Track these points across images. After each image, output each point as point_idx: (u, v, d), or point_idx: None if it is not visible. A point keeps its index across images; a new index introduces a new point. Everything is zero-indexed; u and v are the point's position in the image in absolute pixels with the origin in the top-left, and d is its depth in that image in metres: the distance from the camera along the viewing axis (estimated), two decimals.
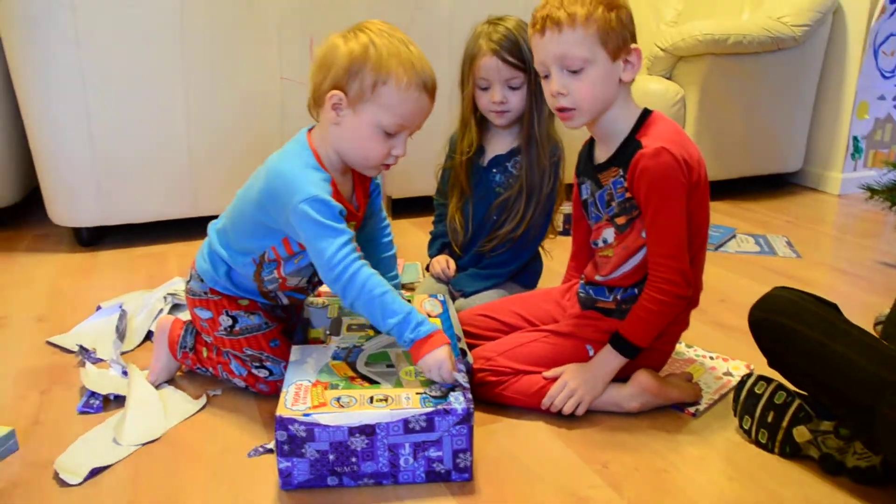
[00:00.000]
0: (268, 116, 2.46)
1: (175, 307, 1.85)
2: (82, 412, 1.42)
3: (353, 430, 1.15)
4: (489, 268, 1.81)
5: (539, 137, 1.72)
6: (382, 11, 2.45)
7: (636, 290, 1.41)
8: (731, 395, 1.42)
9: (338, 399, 1.19)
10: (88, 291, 2.05)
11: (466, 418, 1.17)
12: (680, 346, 1.66)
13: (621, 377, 1.41)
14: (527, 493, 1.19)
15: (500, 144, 1.78)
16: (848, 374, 1.14)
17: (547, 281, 1.90)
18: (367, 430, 1.15)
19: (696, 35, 2.81)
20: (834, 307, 1.26)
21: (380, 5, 2.48)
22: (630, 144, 1.34)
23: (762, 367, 1.37)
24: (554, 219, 1.82)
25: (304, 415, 1.14)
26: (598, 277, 1.47)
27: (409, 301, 1.32)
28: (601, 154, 1.41)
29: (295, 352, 1.36)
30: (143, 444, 1.32)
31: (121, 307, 1.81)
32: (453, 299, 1.77)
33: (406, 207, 2.73)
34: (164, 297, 1.86)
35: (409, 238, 2.48)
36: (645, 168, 1.29)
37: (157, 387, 1.50)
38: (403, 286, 1.95)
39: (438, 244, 1.91)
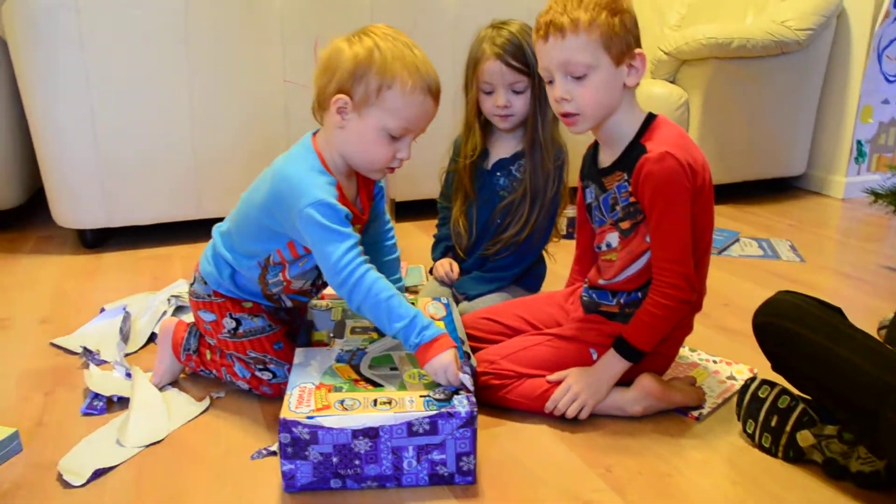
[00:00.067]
0: (272, 119, 2.47)
1: (179, 309, 1.85)
2: (86, 414, 1.42)
3: (356, 433, 1.15)
4: (493, 271, 1.81)
5: (543, 141, 1.72)
6: (386, 15, 2.47)
7: (640, 294, 1.41)
8: (734, 399, 1.41)
9: (341, 402, 1.19)
10: (92, 293, 2.06)
11: (470, 421, 1.17)
12: (683, 350, 1.66)
13: (625, 381, 1.41)
14: (530, 497, 1.19)
15: (504, 148, 1.79)
16: (852, 378, 1.14)
17: (550, 284, 1.90)
18: (371, 433, 1.15)
19: (700, 39, 2.81)
20: (838, 311, 1.26)
21: (384, 8, 2.49)
22: (634, 149, 1.34)
23: (766, 371, 1.37)
24: (558, 222, 1.82)
25: (307, 417, 1.14)
26: (601, 281, 1.47)
27: (412, 304, 1.32)
28: (605, 158, 1.41)
29: (298, 354, 1.36)
30: (147, 446, 1.32)
31: (124, 309, 1.81)
32: (457, 302, 1.77)
33: (410, 211, 2.74)
34: (168, 300, 1.87)
35: (413, 241, 2.48)
36: (649, 172, 1.29)
37: (161, 389, 1.50)
38: (407, 289, 1.95)
39: (442, 247, 1.91)
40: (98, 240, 2.46)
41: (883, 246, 2.56)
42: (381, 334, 1.43)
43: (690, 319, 1.46)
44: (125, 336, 1.70)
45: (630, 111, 1.36)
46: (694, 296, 1.36)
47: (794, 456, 1.27)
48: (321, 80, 1.31)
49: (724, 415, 1.44)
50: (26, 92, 2.24)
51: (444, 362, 1.22)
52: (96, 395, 1.46)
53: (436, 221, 1.96)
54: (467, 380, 1.23)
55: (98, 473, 1.23)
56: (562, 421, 1.39)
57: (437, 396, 1.20)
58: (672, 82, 3.01)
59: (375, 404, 1.18)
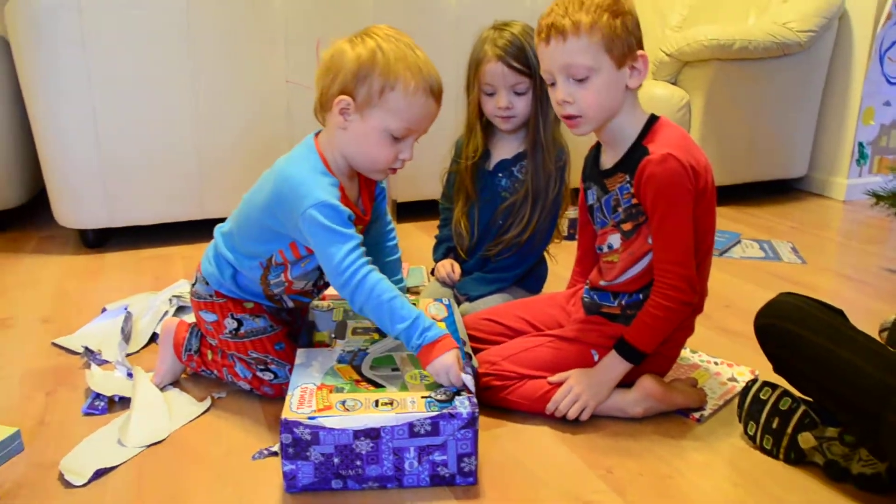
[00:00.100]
0: (274, 119, 2.47)
1: (180, 309, 1.85)
2: (87, 413, 1.43)
3: (357, 434, 1.15)
4: (494, 272, 1.81)
5: (545, 142, 1.72)
6: (388, 15, 2.47)
7: (641, 296, 1.41)
8: (735, 401, 1.42)
9: (343, 402, 1.19)
10: (94, 293, 2.06)
11: (471, 422, 1.17)
12: (685, 352, 1.66)
13: (626, 382, 1.41)
14: (531, 498, 1.19)
15: (505, 149, 1.79)
16: (853, 380, 1.14)
17: (552, 285, 1.90)
18: (372, 434, 1.16)
19: (702, 40, 2.81)
20: (840, 313, 1.26)
21: (386, 9, 2.49)
22: (637, 150, 1.34)
23: (767, 372, 1.37)
24: (559, 224, 1.82)
25: (309, 418, 1.15)
26: (602, 283, 1.47)
27: (414, 304, 1.32)
28: (608, 160, 1.41)
29: (300, 355, 1.36)
30: (148, 446, 1.32)
31: (126, 309, 1.81)
32: (458, 303, 1.77)
33: (411, 211, 2.74)
34: (170, 300, 1.87)
35: (414, 242, 2.48)
36: (652, 174, 1.29)
37: (162, 389, 1.50)
38: (408, 290, 1.95)
39: (443, 248, 1.91)
40: (100, 240, 2.46)
41: (884, 248, 2.56)
42: (383, 335, 1.43)
43: (692, 321, 1.46)
44: (127, 336, 1.70)
45: (632, 113, 1.36)
46: (696, 297, 1.36)
47: (796, 458, 1.27)
48: (323, 81, 1.31)
49: (725, 416, 1.44)
50: (28, 92, 2.24)
51: (447, 363, 1.22)
52: (98, 395, 1.46)
53: (437, 222, 1.96)
54: (469, 380, 1.23)
55: (99, 473, 1.23)
56: (563, 422, 1.39)
57: (438, 397, 1.20)
58: (673, 84, 3.01)
59: (377, 405, 1.18)
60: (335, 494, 1.18)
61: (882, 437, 1.09)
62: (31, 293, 2.07)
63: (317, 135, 1.38)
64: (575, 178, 1.62)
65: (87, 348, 1.64)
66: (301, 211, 1.25)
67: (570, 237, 2.25)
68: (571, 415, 1.37)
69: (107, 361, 1.61)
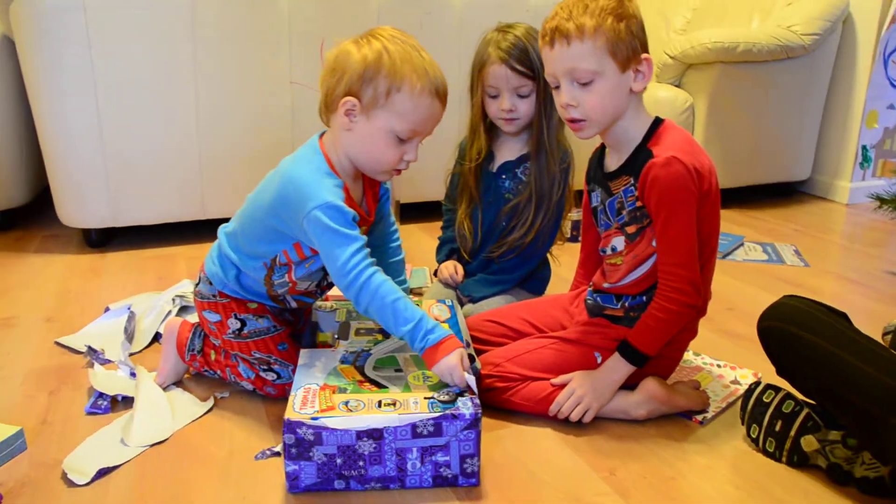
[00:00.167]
0: (278, 120, 2.47)
1: (183, 309, 1.86)
2: (90, 413, 1.43)
3: (360, 434, 1.15)
4: (497, 273, 1.81)
5: (548, 145, 1.72)
6: (392, 17, 2.48)
7: (644, 298, 1.41)
8: (738, 404, 1.41)
9: (346, 403, 1.19)
10: (97, 292, 2.06)
11: (474, 423, 1.17)
12: (688, 354, 1.66)
13: (629, 384, 1.41)
14: (533, 499, 1.19)
15: (509, 151, 1.79)
16: (857, 383, 1.13)
17: (555, 287, 1.90)
18: (375, 434, 1.16)
19: (706, 43, 2.81)
20: (843, 316, 1.26)
21: (389, 10, 2.49)
22: (641, 153, 1.34)
23: (770, 375, 1.37)
24: (562, 225, 1.82)
25: (312, 418, 1.15)
26: (606, 285, 1.47)
27: (417, 305, 1.33)
28: (612, 162, 1.41)
29: (303, 355, 1.36)
30: (151, 446, 1.32)
31: (129, 308, 1.81)
32: (461, 305, 1.77)
33: (414, 212, 2.74)
34: (173, 300, 1.87)
35: (417, 243, 2.48)
36: (656, 177, 1.29)
37: (165, 388, 1.50)
38: (411, 291, 1.95)
39: (447, 249, 1.91)
40: (103, 239, 2.47)
41: (888, 251, 2.56)
42: (386, 336, 1.44)
43: (695, 323, 1.46)
44: (130, 335, 1.70)
45: (637, 116, 1.36)
46: (699, 300, 1.36)
47: (798, 461, 1.26)
48: (329, 82, 1.31)
49: (728, 419, 1.44)
50: (33, 91, 2.25)
51: (450, 364, 1.22)
52: (101, 395, 1.46)
53: (440, 223, 1.97)
54: (472, 380, 1.23)
55: (102, 472, 1.24)
56: (566, 424, 1.39)
57: (441, 398, 1.20)
58: (677, 86, 3.01)
59: (380, 406, 1.18)
60: (338, 495, 1.19)
61: (885, 440, 1.09)
62: (34, 292, 2.07)
63: (321, 136, 1.39)
64: (579, 180, 1.62)
65: (90, 348, 1.64)
66: (306, 212, 1.25)
67: (574, 239, 2.24)
68: (574, 417, 1.37)
69: (110, 361, 1.61)
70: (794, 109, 3.11)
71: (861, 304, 2.05)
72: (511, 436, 1.37)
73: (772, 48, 2.85)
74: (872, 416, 1.11)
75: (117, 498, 1.18)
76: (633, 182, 1.34)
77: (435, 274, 1.93)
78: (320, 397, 1.21)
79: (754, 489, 1.22)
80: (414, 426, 1.16)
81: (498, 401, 1.42)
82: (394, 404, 1.19)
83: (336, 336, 1.45)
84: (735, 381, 1.57)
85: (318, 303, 1.58)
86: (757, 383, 1.36)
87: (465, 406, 1.18)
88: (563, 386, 1.40)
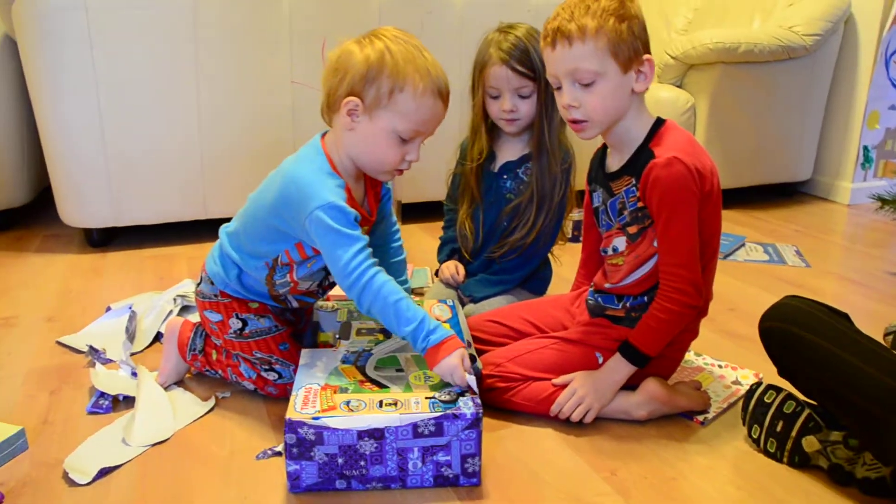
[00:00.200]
0: (279, 120, 2.47)
1: (184, 309, 1.86)
2: (91, 412, 1.43)
3: (362, 434, 1.15)
4: (499, 274, 1.81)
5: (550, 145, 1.72)
6: (393, 16, 2.48)
7: (646, 298, 1.41)
8: (739, 404, 1.41)
9: (347, 403, 1.19)
10: (98, 292, 2.06)
11: (475, 423, 1.17)
12: (689, 355, 1.66)
13: (630, 385, 1.41)
14: (534, 499, 1.19)
15: (511, 151, 1.79)
16: (858, 383, 1.13)
17: (556, 287, 1.90)
18: (377, 434, 1.16)
19: (707, 43, 2.81)
20: (845, 317, 1.26)
21: (390, 10, 2.49)
22: (642, 154, 1.34)
23: (771, 376, 1.37)
24: (564, 226, 1.82)
25: (313, 418, 1.15)
26: (607, 285, 1.47)
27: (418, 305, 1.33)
28: (613, 162, 1.41)
29: (304, 355, 1.36)
30: (152, 445, 1.32)
31: (130, 308, 1.81)
32: (462, 305, 1.77)
33: (415, 212, 2.74)
34: (174, 299, 1.87)
35: (419, 243, 2.49)
36: (657, 178, 1.29)
37: (166, 388, 1.51)
38: (413, 291, 1.95)
39: (448, 249, 1.91)
40: (104, 239, 2.47)
41: (889, 252, 2.56)
42: (387, 336, 1.44)
43: (696, 324, 1.46)
44: (131, 335, 1.70)
45: (638, 116, 1.36)
46: (701, 301, 1.36)
47: (800, 461, 1.26)
48: (331, 82, 1.31)
49: (729, 420, 1.44)
50: (34, 91, 2.25)
51: (451, 365, 1.22)
52: (102, 394, 1.47)
53: (442, 223, 1.97)
54: (472, 381, 1.23)
55: (103, 472, 1.24)
56: (567, 424, 1.39)
57: (442, 398, 1.20)
58: (679, 87, 3.01)
59: (381, 405, 1.18)
60: (339, 495, 1.19)
61: (886, 440, 1.09)
62: (35, 292, 2.07)
63: (323, 136, 1.38)
64: (580, 180, 1.62)
65: (91, 347, 1.64)
66: (308, 212, 1.25)
67: (575, 239, 2.24)
68: (575, 417, 1.37)
69: (111, 360, 1.61)
70: (795, 110, 3.11)
71: (862, 305, 2.05)
72: (512, 436, 1.37)
73: (773, 49, 2.85)
74: (874, 416, 1.11)
75: (118, 497, 1.18)
76: (634, 182, 1.34)
77: (436, 274, 1.93)
78: (321, 397, 1.21)
79: (755, 490, 1.22)
80: (415, 426, 1.16)
81: (499, 401, 1.42)
82: (395, 404, 1.19)
83: (337, 336, 1.45)
84: (736, 382, 1.57)
85: (320, 303, 1.58)
86: (758, 384, 1.36)
87: (467, 406, 1.18)
88: (564, 386, 1.40)
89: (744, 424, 1.36)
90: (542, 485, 1.23)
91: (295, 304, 1.50)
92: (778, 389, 1.32)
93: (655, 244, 1.35)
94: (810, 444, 1.24)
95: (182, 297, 1.88)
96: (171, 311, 1.82)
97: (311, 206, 1.25)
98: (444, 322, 1.45)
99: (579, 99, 1.30)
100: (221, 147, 2.42)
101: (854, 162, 3.20)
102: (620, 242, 1.41)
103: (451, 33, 2.57)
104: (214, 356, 1.51)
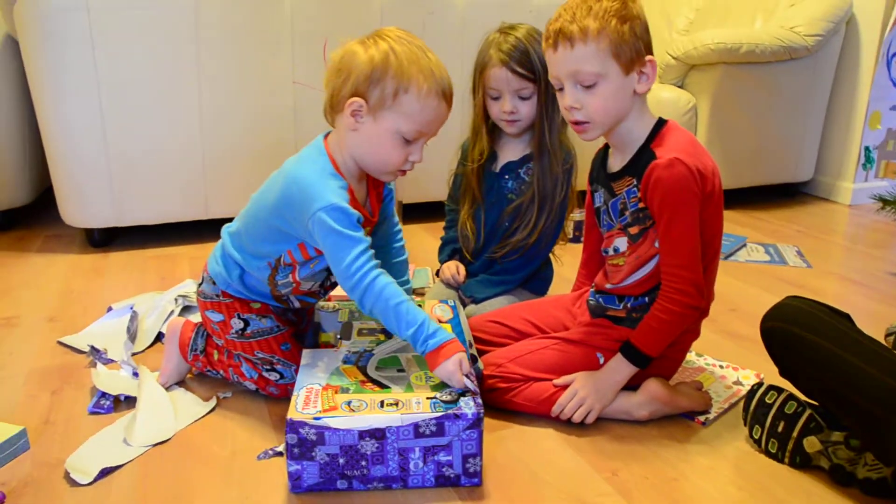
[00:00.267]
0: (280, 120, 2.48)
1: (186, 309, 1.86)
2: (93, 412, 1.43)
3: (363, 434, 1.15)
4: (500, 274, 1.81)
5: (551, 146, 1.72)
6: (395, 16, 2.48)
7: (647, 299, 1.41)
8: (741, 405, 1.41)
9: (348, 403, 1.19)
10: (100, 292, 2.06)
11: (476, 423, 1.17)
12: (690, 355, 1.66)
13: (631, 385, 1.41)
14: (535, 500, 1.19)
15: (512, 151, 1.79)
16: (859, 384, 1.13)
17: (557, 287, 1.90)
18: (378, 434, 1.16)
19: (709, 44, 2.80)
20: (846, 317, 1.26)
21: (392, 10, 2.49)
22: (644, 154, 1.34)
23: (773, 376, 1.37)
24: (565, 226, 1.82)
25: (314, 418, 1.15)
26: (608, 285, 1.47)
27: (420, 306, 1.33)
28: (615, 163, 1.41)
29: (306, 355, 1.36)
30: (154, 445, 1.32)
31: (132, 308, 1.81)
32: (463, 305, 1.77)
33: (417, 213, 2.74)
34: (175, 299, 1.87)
35: (420, 243, 2.49)
36: (658, 178, 1.29)
37: (168, 388, 1.51)
38: (414, 291, 1.95)
39: (449, 250, 1.91)
40: (106, 239, 2.47)
41: (890, 252, 2.55)
42: (389, 336, 1.44)
43: (698, 324, 1.46)
44: (132, 335, 1.70)
45: (640, 117, 1.36)
46: (703, 302, 1.36)
47: (801, 462, 1.26)
48: (334, 83, 1.31)
49: (730, 420, 1.44)
50: (36, 91, 2.25)
51: (449, 370, 1.22)
52: (103, 394, 1.47)
53: (443, 224, 1.97)
54: (471, 385, 1.23)
55: (105, 472, 1.24)
56: (568, 425, 1.39)
57: (443, 398, 1.20)
58: (680, 87, 3.01)
59: (382, 406, 1.18)
60: (340, 495, 1.19)
61: (887, 441, 1.09)
62: (36, 292, 2.07)
63: (326, 136, 1.38)
64: (582, 180, 1.62)
65: (92, 347, 1.64)
66: (310, 213, 1.25)
67: (576, 239, 2.24)
68: (577, 418, 1.37)
69: (112, 360, 1.61)
70: (797, 110, 3.11)
71: (863, 306, 2.05)
72: (513, 436, 1.37)
73: (775, 49, 2.85)
74: (875, 417, 1.11)
75: (120, 497, 1.18)
76: (635, 183, 1.34)
77: (437, 274, 1.93)
78: (323, 397, 1.21)
79: (757, 490, 1.22)
80: (416, 426, 1.16)
81: (500, 401, 1.42)
82: (396, 404, 1.19)
83: (338, 336, 1.45)
84: (737, 382, 1.57)
85: (321, 303, 1.58)
86: (759, 384, 1.36)
87: (468, 406, 1.18)
88: (565, 387, 1.40)
89: (745, 425, 1.36)
90: (543, 485, 1.23)
91: (297, 305, 1.50)
92: (779, 390, 1.32)
93: (657, 245, 1.35)
94: (811, 444, 1.24)
95: (183, 297, 1.88)
96: (172, 312, 1.82)
97: (314, 207, 1.25)
98: (446, 322, 1.46)
99: (581, 100, 1.30)
100: (223, 147, 2.43)
101: (855, 162, 3.20)
102: (622, 243, 1.41)
103: (453, 34, 2.57)
104: (216, 356, 1.51)
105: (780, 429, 1.28)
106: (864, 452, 1.20)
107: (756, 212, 3.08)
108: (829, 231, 2.84)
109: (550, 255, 1.87)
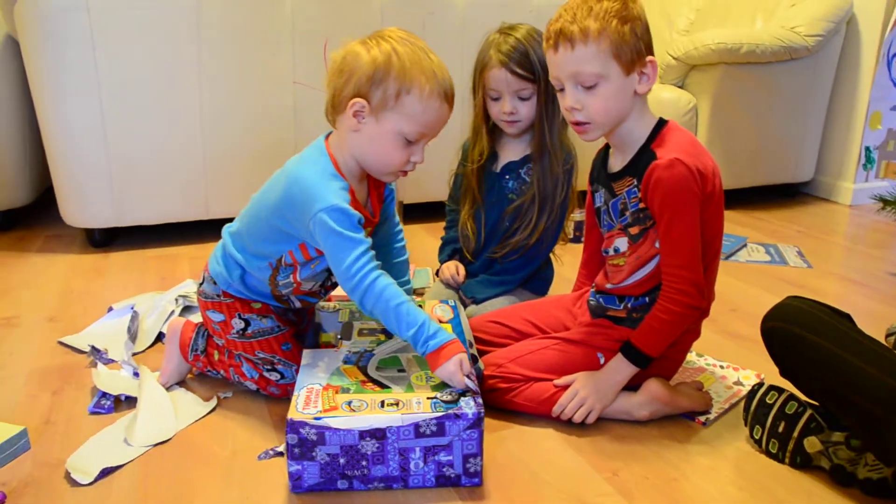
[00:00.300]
0: (281, 121, 2.48)
1: (186, 309, 1.86)
2: (93, 412, 1.43)
3: (363, 434, 1.15)
4: (500, 274, 1.81)
5: (551, 146, 1.72)
6: (395, 17, 2.48)
7: (647, 299, 1.41)
8: (741, 405, 1.41)
9: (349, 403, 1.19)
10: (100, 292, 2.06)
11: (477, 423, 1.17)
12: (691, 355, 1.66)
13: (632, 385, 1.41)
14: (536, 500, 1.19)
15: (512, 151, 1.79)
16: (860, 384, 1.13)
17: (557, 287, 1.90)
18: (378, 434, 1.16)
19: (709, 44, 2.80)
20: (847, 317, 1.26)
21: (392, 10, 2.49)
22: (645, 154, 1.33)
23: (773, 377, 1.37)
24: (565, 226, 1.82)
25: (315, 418, 1.15)
26: (608, 286, 1.47)
27: (420, 306, 1.33)
28: (616, 163, 1.41)
29: (306, 355, 1.36)
30: (154, 445, 1.32)
31: (132, 308, 1.81)
32: (464, 305, 1.77)
33: (418, 213, 2.74)
34: (176, 299, 1.87)
35: (421, 243, 2.49)
36: (659, 179, 1.29)
37: (168, 388, 1.51)
38: (414, 291, 1.95)
39: (449, 250, 1.91)
40: (106, 239, 2.47)
41: (890, 252, 2.55)
42: (389, 336, 1.44)
43: (698, 324, 1.46)
44: (133, 335, 1.70)
45: (641, 117, 1.36)
46: (703, 302, 1.36)
47: (802, 462, 1.26)
48: (336, 83, 1.30)
49: (731, 420, 1.44)
50: (37, 91, 2.25)
51: (450, 370, 1.22)
52: (104, 394, 1.47)
53: (443, 224, 1.97)
54: (472, 385, 1.23)
55: (105, 472, 1.24)
56: (569, 425, 1.39)
57: (444, 398, 1.20)
58: (680, 87, 3.01)
59: (383, 406, 1.18)
60: (340, 495, 1.19)
61: (888, 441, 1.09)
62: (37, 292, 2.07)
63: (327, 137, 1.38)
64: (582, 180, 1.62)
65: (93, 347, 1.64)
66: (311, 214, 1.25)
67: (576, 239, 2.24)
68: (577, 418, 1.37)
69: (113, 360, 1.61)
70: (797, 111, 3.11)
71: (864, 306, 2.05)
72: (514, 436, 1.37)
73: (775, 49, 2.85)
74: (875, 417, 1.11)
75: (120, 497, 1.19)
76: (636, 183, 1.34)
77: (436, 274, 1.93)
78: (323, 397, 1.21)
79: (757, 490, 1.22)
80: (417, 426, 1.16)
81: (501, 401, 1.42)
82: (397, 404, 1.19)
83: (339, 336, 1.45)
84: (738, 382, 1.57)
85: (321, 303, 1.58)
86: (760, 384, 1.36)
87: (468, 405, 1.18)
88: (566, 387, 1.40)
89: (745, 425, 1.36)
90: (543, 485, 1.23)
91: (297, 305, 1.50)
92: (780, 390, 1.32)
93: (657, 245, 1.35)
94: (812, 444, 1.24)
95: (184, 297, 1.88)
96: (172, 312, 1.82)
97: (315, 208, 1.25)
98: (446, 322, 1.46)
99: (582, 101, 1.30)
100: (223, 147, 2.43)
101: (856, 163, 3.20)
102: (622, 243, 1.41)
103: (453, 34, 2.57)
104: (216, 356, 1.51)
105: (780, 429, 1.28)
106: (864, 453, 1.20)
107: (756, 212, 3.08)
108: (830, 231, 2.84)
109: (551, 256, 1.87)
